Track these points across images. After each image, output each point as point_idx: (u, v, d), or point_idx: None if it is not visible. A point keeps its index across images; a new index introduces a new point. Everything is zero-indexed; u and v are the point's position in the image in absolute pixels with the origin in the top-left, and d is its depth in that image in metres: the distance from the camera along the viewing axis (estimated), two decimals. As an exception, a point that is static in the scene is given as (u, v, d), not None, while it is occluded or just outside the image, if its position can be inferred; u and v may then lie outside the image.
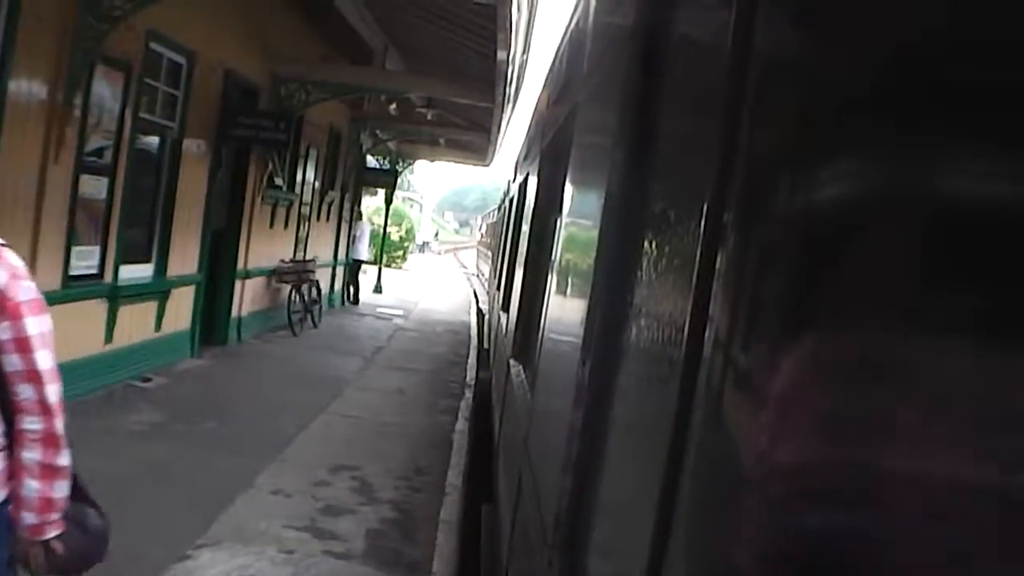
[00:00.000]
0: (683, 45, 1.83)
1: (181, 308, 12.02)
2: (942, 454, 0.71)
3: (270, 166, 14.47)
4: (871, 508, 0.80)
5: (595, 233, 2.42)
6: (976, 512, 0.68)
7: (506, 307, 8.53)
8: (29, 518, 2.85)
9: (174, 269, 11.52)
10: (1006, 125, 0.69)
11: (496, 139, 21.68)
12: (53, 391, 2.84)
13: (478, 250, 53.95)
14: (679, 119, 1.80)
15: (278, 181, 15.27)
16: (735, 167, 1.22)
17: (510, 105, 17.26)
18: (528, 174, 7.79)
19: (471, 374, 14.44)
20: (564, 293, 3.23)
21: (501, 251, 13.19)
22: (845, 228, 0.91)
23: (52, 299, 8.09)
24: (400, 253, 47.89)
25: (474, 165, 30.69)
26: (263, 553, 5.94)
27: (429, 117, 21.02)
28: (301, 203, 17.40)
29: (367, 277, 29.77)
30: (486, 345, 15.19)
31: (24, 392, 2.78)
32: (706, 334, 1.22)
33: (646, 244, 1.80)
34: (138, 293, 10.66)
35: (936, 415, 0.73)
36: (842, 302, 0.90)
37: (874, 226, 0.86)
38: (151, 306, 11.14)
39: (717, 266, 1.21)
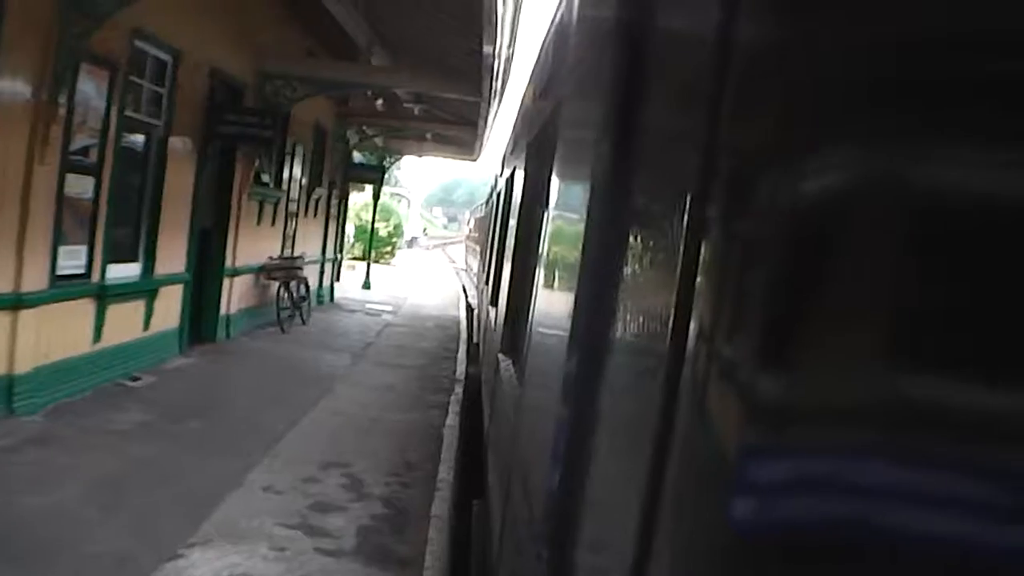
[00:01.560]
0: (667, 39, 1.83)
1: (169, 306, 12.00)
2: (928, 447, 0.72)
3: (257, 163, 14.46)
4: (856, 499, 0.81)
5: (581, 227, 2.42)
6: (965, 502, 0.69)
7: (495, 302, 8.53)
8: None
9: (162, 268, 11.50)
10: (990, 119, 0.69)
11: (483, 133, 21.70)
12: None
13: (467, 245, 53.89)
14: (663, 113, 1.80)
15: (265, 178, 15.25)
16: (719, 161, 1.22)
17: (496, 99, 17.27)
18: (515, 168, 7.79)
19: (461, 369, 14.44)
20: (551, 287, 3.23)
21: (489, 246, 13.18)
22: (829, 222, 0.92)
23: (40, 299, 8.16)
24: (388, 249, 47.88)
25: (462, 160, 30.68)
26: (254, 551, 5.94)
27: (416, 112, 21.00)
28: (288, 200, 17.39)
29: (355, 273, 29.81)
30: (475, 340, 15.19)
31: None
32: (690, 327, 1.22)
33: (631, 237, 1.80)
34: (126, 292, 10.64)
35: (922, 408, 0.73)
36: (825, 296, 0.91)
37: (858, 221, 0.87)
38: (139, 305, 11.11)
39: (701, 259, 1.21)
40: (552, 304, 3.14)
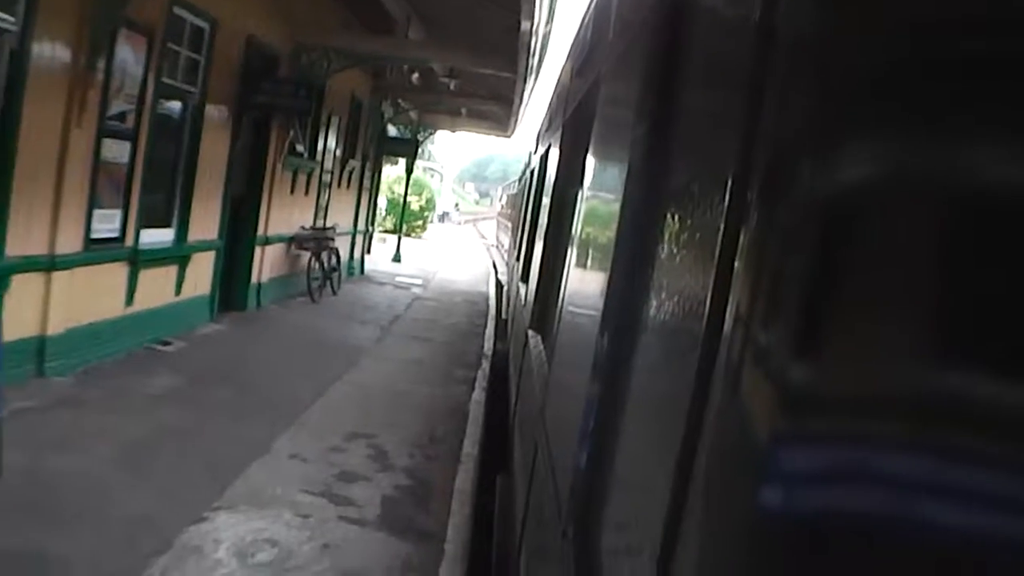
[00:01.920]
0: (709, 19, 1.82)
1: (201, 273, 12.08)
2: (961, 441, 0.71)
3: (291, 133, 14.47)
4: (885, 490, 0.80)
5: (616, 207, 2.41)
6: (996, 498, 0.68)
7: (525, 278, 8.53)
8: None
9: (195, 234, 11.57)
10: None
11: (518, 110, 21.62)
12: None
13: (498, 221, 53.87)
14: (704, 94, 1.79)
15: (299, 148, 15.28)
16: (759, 144, 1.21)
17: (533, 76, 17.19)
18: (549, 146, 7.77)
19: (488, 345, 14.46)
20: (584, 266, 3.23)
21: (521, 223, 13.17)
22: (869, 209, 0.91)
23: (73, 262, 8.22)
24: (420, 223, 47.95)
25: (496, 136, 30.56)
26: (278, 517, 5.99)
27: (451, 87, 20.92)
28: (322, 171, 17.41)
29: (386, 246, 29.88)
30: (504, 316, 15.20)
31: None
32: (727, 311, 1.21)
33: (667, 219, 1.79)
34: (159, 257, 10.72)
35: (957, 401, 0.73)
36: (863, 285, 0.90)
37: (898, 208, 0.86)
38: (171, 270, 11.19)
39: (739, 244, 1.21)
40: (584, 282, 3.13)
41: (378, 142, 23.43)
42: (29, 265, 7.92)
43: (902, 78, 0.87)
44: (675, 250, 1.70)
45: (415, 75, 20.32)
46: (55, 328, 8.35)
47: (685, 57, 1.95)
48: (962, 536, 0.69)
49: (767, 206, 1.16)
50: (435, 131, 32.19)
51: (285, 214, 15.26)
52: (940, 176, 0.78)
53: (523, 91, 18.05)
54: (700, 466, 1.26)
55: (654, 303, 1.84)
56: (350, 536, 5.89)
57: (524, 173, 17.98)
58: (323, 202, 18.01)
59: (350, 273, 21.28)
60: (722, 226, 1.29)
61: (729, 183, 1.29)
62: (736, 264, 1.21)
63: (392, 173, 37.66)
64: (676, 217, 1.73)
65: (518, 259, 11.62)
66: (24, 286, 7.88)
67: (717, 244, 1.29)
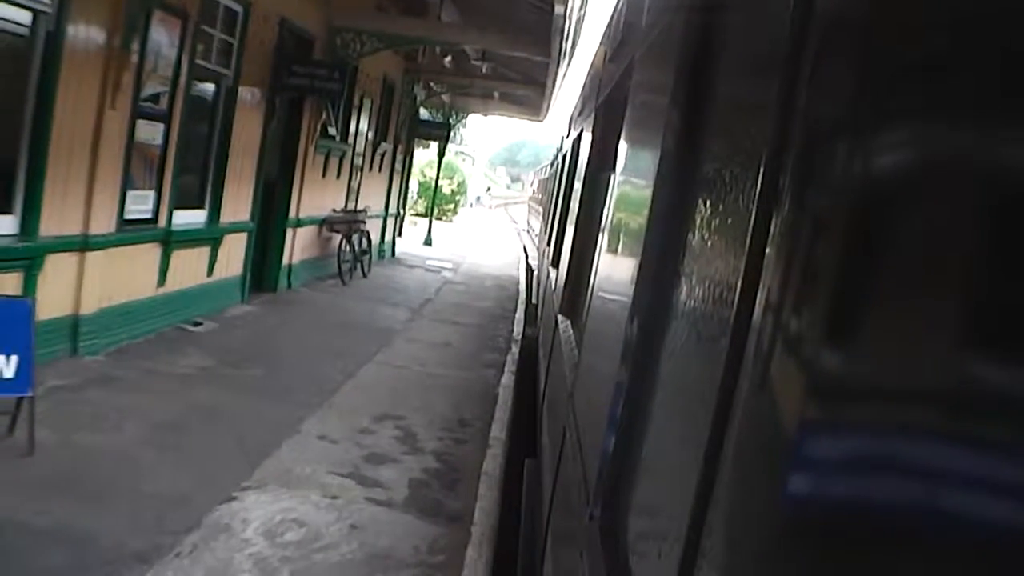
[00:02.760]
0: (744, 3, 1.81)
1: (233, 254, 12.15)
2: (992, 434, 0.70)
3: (324, 116, 14.51)
4: (913, 482, 0.79)
5: (648, 192, 2.40)
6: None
7: (556, 263, 8.53)
8: None
9: (227, 216, 11.64)
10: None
11: (550, 94, 21.57)
12: None
13: (529, 206, 53.87)
14: (738, 78, 1.77)
15: (331, 131, 15.31)
16: (793, 130, 1.20)
17: (566, 60, 17.14)
18: (582, 130, 7.75)
19: (518, 329, 14.47)
20: (615, 251, 3.22)
21: (552, 207, 13.16)
22: (904, 198, 0.90)
23: (107, 242, 8.29)
24: (451, 207, 48.01)
25: (528, 120, 30.54)
26: (307, 497, 6.02)
27: (484, 71, 20.94)
28: (354, 154, 17.46)
29: (417, 229, 29.95)
30: (534, 301, 15.20)
31: None
32: (757, 298, 1.21)
33: (699, 205, 1.78)
34: (191, 238, 10.79)
35: (988, 393, 0.71)
36: (896, 274, 0.89)
37: (934, 197, 0.84)
38: (203, 252, 11.27)
39: (771, 230, 1.19)
40: (615, 268, 3.13)
41: (410, 125, 23.45)
42: (63, 245, 7.99)
43: (943, 63, 0.85)
44: (706, 236, 1.69)
45: (448, 58, 20.34)
46: (88, 308, 8.43)
47: (719, 41, 1.93)
48: (993, 529, 0.68)
49: (800, 192, 1.15)
50: (467, 115, 32.23)
51: (317, 196, 15.31)
52: (978, 166, 0.77)
53: (556, 75, 18.01)
54: (728, 454, 1.25)
55: (684, 289, 1.83)
56: (378, 517, 5.92)
57: (555, 158, 17.97)
58: (354, 185, 18.06)
59: (380, 256, 21.35)
60: (754, 212, 1.27)
61: (762, 169, 1.27)
62: (767, 251, 1.20)
63: (424, 157, 37.70)
64: (708, 203, 1.72)
65: (549, 244, 11.62)
66: (58, 266, 7.95)
67: (749, 230, 1.28)
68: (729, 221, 1.52)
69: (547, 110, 25.86)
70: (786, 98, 1.23)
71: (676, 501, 1.47)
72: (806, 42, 1.20)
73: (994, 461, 0.69)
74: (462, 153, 67.53)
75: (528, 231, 43.85)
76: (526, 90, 22.91)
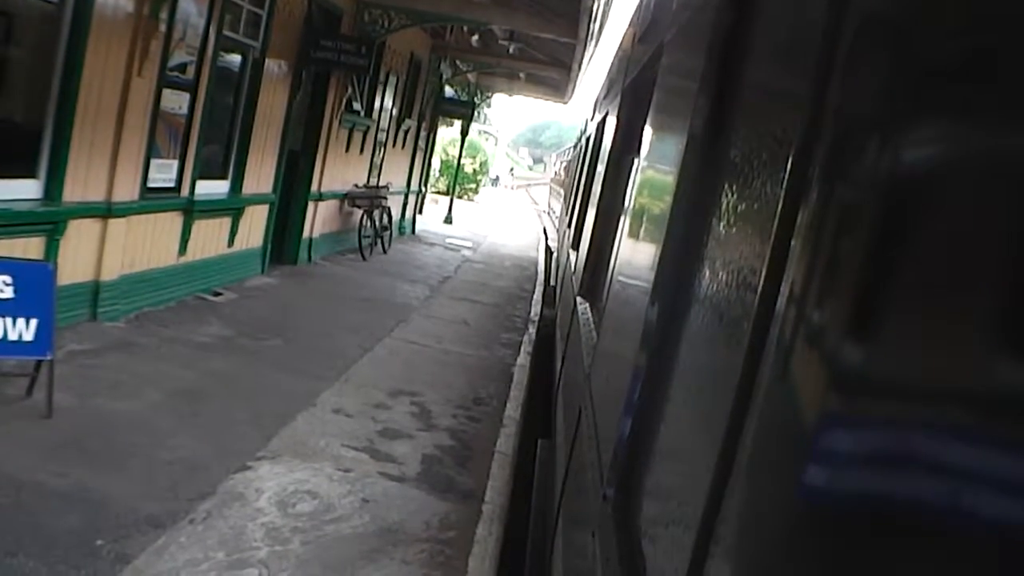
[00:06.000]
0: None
1: (254, 226, 12.19)
2: (1017, 423, 0.70)
3: (349, 91, 14.52)
4: (935, 476, 0.79)
5: (672, 177, 2.40)
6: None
7: (576, 245, 8.52)
8: None
9: (249, 187, 11.67)
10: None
11: (576, 76, 21.50)
12: None
13: (551, 187, 53.76)
14: (769, 66, 1.76)
15: (356, 106, 15.32)
16: (824, 122, 1.19)
17: (593, 42, 17.08)
18: (607, 113, 7.73)
19: (535, 310, 14.48)
20: (636, 235, 3.21)
21: (574, 189, 13.13)
22: (933, 193, 0.89)
23: (129, 209, 8.34)
24: (473, 186, 47.99)
25: (552, 102, 30.44)
26: (320, 469, 6.06)
27: (510, 51, 20.84)
28: (378, 129, 17.47)
29: (438, 207, 29.95)
30: (552, 282, 15.20)
31: None
32: (781, 288, 1.21)
33: (725, 192, 1.78)
34: (213, 209, 10.83)
35: (1013, 387, 0.71)
36: (920, 269, 0.89)
37: (963, 194, 0.84)
38: (225, 222, 11.31)
39: (798, 221, 1.19)
40: (636, 252, 3.12)
41: (434, 103, 23.43)
42: (86, 211, 8.03)
43: (978, 59, 0.85)
44: (731, 224, 1.69)
45: (475, 37, 20.27)
46: (109, 274, 8.48)
47: (751, 28, 1.92)
48: (1012, 527, 0.68)
49: (829, 185, 1.15)
50: (492, 94, 32.13)
51: (339, 171, 15.34)
52: (1007, 165, 0.77)
53: (583, 57, 17.95)
54: (746, 442, 1.25)
55: (706, 276, 1.83)
56: (390, 492, 5.95)
57: (579, 140, 17.91)
58: (377, 161, 18.07)
59: (401, 232, 21.37)
60: (781, 202, 1.27)
61: (790, 159, 1.27)
62: (793, 242, 1.20)
63: (447, 135, 37.66)
64: (733, 191, 1.72)
65: (569, 226, 11.60)
66: (80, 231, 8.00)
67: (775, 221, 1.28)
68: (755, 210, 1.52)
69: (572, 92, 25.78)
70: (819, 89, 1.23)
71: (691, 486, 1.47)
72: (841, 33, 1.20)
73: (1014, 458, 0.69)
74: (485, 132, 67.42)
75: (549, 213, 43.79)
76: (552, 71, 22.83)
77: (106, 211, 8.26)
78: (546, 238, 29.72)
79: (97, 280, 8.37)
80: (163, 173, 9.36)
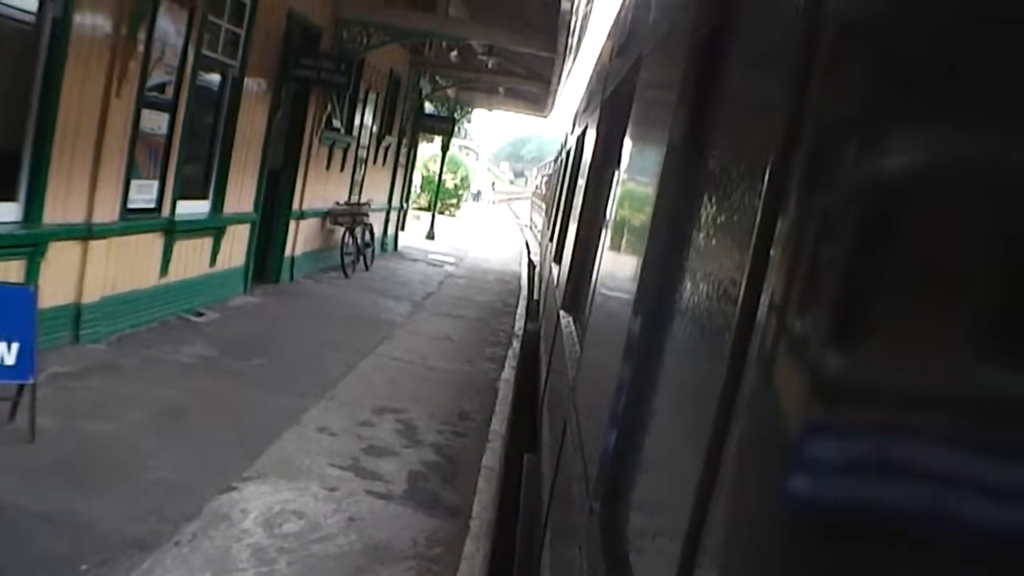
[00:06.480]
0: (755, 1, 1.80)
1: (236, 245, 12.16)
2: (999, 432, 0.70)
3: (329, 108, 14.52)
4: (915, 484, 0.80)
5: (653, 189, 2.40)
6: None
7: (558, 259, 8.53)
8: None
9: (230, 206, 11.64)
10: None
11: (556, 90, 21.59)
12: None
13: (532, 201, 53.85)
14: (746, 77, 1.77)
15: (336, 123, 15.32)
16: (802, 131, 1.20)
17: (572, 56, 17.16)
18: (587, 126, 7.75)
19: (519, 324, 14.48)
20: (618, 248, 3.22)
21: (556, 203, 13.15)
22: (912, 200, 0.90)
23: (110, 231, 8.30)
24: (454, 201, 48.00)
25: (532, 115, 30.52)
26: (306, 489, 6.03)
27: (489, 65, 20.91)
28: (358, 146, 17.47)
29: (420, 223, 29.94)
30: (536, 296, 15.21)
31: None
32: (761, 297, 1.21)
33: (705, 203, 1.78)
34: (194, 228, 10.79)
35: (994, 397, 0.72)
36: (902, 276, 0.89)
37: (942, 200, 0.84)
38: (206, 242, 11.27)
39: (777, 230, 1.20)
40: (618, 265, 3.13)
41: (415, 119, 23.45)
42: (66, 233, 7.99)
43: (954, 65, 0.86)
44: (711, 234, 1.69)
45: (454, 52, 20.34)
46: (91, 296, 8.44)
47: (729, 39, 1.93)
48: (995, 532, 0.68)
49: (807, 193, 1.15)
50: (472, 109, 32.20)
51: (320, 189, 15.32)
52: (986, 169, 0.77)
53: (561, 71, 18.02)
54: (730, 452, 1.25)
55: (688, 287, 1.83)
56: (376, 510, 5.93)
57: (560, 153, 17.95)
58: (358, 178, 18.07)
59: (383, 249, 21.36)
60: (760, 212, 1.28)
61: (769, 168, 1.27)
62: (772, 251, 1.20)
63: (428, 151, 37.68)
64: (713, 201, 1.72)
65: (551, 240, 11.61)
66: (61, 253, 7.96)
67: (754, 230, 1.28)
68: (735, 220, 1.52)
69: (552, 105, 25.88)
70: (795, 97, 1.23)
71: (677, 498, 1.47)
72: (817, 41, 1.20)
73: (998, 464, 0.69)
74: (466, 147, 67.46)
75: (531, 227, 43.85)
76: (531, 85, 22.91)
77: (87, 233, 8.22)
78: (528, 252, 29.76)
79: (79, 302, 8.32)
80: (143, 194, 9.32)
